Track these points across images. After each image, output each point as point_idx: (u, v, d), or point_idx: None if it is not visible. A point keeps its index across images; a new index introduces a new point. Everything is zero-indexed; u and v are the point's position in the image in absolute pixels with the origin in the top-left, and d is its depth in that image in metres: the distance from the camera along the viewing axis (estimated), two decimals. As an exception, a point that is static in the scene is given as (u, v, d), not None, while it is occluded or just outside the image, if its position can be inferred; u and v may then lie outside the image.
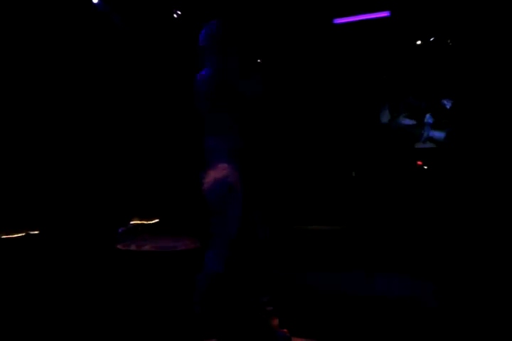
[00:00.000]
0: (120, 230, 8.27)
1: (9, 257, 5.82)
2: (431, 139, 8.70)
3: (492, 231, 5.90)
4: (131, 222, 8.53)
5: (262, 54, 9.14)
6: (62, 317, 3.34)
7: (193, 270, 5.09)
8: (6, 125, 6.99)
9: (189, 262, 5.62)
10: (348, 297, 3.82)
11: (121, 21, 7.59)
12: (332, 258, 5.55)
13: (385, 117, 9.08)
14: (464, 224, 6.55)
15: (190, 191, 8.67)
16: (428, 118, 8.73)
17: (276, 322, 2.69)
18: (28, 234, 7.39)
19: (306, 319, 3.24)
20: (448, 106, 8.40)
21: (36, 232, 7.51)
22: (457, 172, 8.03)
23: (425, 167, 8.71)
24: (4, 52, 6.75)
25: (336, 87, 9.05)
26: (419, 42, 8.33)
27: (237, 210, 2.63)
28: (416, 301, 3.73)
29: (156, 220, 8.85)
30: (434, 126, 8.70)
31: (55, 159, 7.89)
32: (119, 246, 6.74)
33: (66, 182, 7.98)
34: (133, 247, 6.70)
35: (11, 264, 5.35)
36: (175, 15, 7.87)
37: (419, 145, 8.80)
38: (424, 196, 8.06)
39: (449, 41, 8.10)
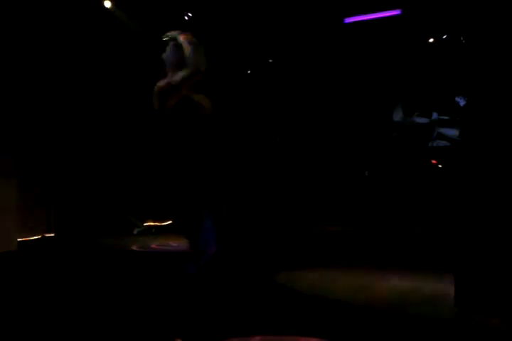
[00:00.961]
0: (135, 232, 8.34)
1: (26, 258, 5.91)
2: (444, 137, 8.61)
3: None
4: (145, 224, 8.60)
5: (273, 54, 9.14)
6: (77, 316, 3.37)
7: (206, 271, 5.11)
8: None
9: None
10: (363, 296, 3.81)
11: (134, 24, 7.66)
12: (345, 259, 5.53)
13: (398, 116, 9.01)
14: (481, 223, 6.47)
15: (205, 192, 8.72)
16: (435, 116, 8.65)
17: None
18: (43, 237, 7.50)
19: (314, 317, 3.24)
20: (461, 104, 8.30)
21: (52, 235, 7.61)
22: (472, 171, 7.93)
23: (440, 166, 8.62)
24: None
25: (348, 87, 9.01)
26: (431, 40, 8.25)
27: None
28: (433, 300, 3.70)
29: (170, 222, 8.90)
30: (448, 124, 8.61)
31: (71, 162, 7.99)
32: (134, 248, 6.79)
33: (81, 185, 8.06)
34: (148, 248, 6.74)
35: (28, 265, 5.42)
36: (186, 18, 7.91)
37: (433, 143, 8.71)
38: (439, 195, 7.98)
39: (462, 38, 8.00)
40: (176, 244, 6.96)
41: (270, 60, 9.27)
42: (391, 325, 3.16)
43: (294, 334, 2.89)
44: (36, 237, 7.40)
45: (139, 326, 3.18)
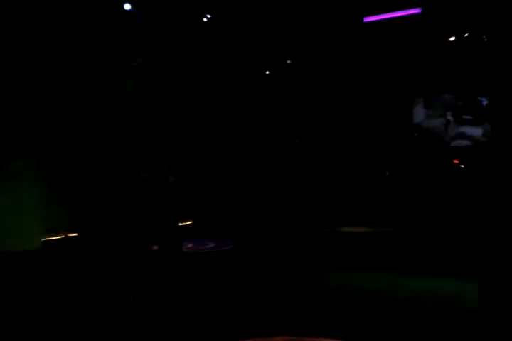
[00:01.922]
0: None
1: (50, 257, 6.02)
2: (466, 137, 8.49)
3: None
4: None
5: (291, 55, 9.14)
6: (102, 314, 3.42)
7: (226, 270, 5.14)
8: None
9: (222, 263, 5.67)
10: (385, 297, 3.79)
11: (153, 26, 7.73)
12: (366, 260, 5.50)
13: (419, 115, 8.93)
14: (505, 224, 6.37)
15: (224, 194, 8.78)
16: (449, 116, 8.54)
17: None
18: (67, 236, 7.62)
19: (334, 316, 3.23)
20: (484, 103, 8.19)
21: (74, 234, 7.73)
22: (496, 171, 7.81)
23: (462, 166, 8.52)
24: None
25: (369, 86, 8.96)
26: (452, 38, 8.15)
27: None
28: (454, 301, 3.67)
29: (190, 222, 8.96)
30: (470, 123, 8.50)
31: (96, 163, 8.09)
32: (154, 248, 6.83)
33: (105, 186, 8.17)
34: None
35: (51, 264, 5.52)
36: (205, 19, 7.97)
37: (455, 143, 8.61)
38: (461, 195, 7.88)
39: (484, 36, 7.89)
40: (195, 243, 7.01)
41: (288, 61, 9.27)
42: (412, 326, 3.14)
43: (317, 335, 2.89)
44: (60, 237, 7.52)
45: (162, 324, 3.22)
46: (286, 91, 9.34)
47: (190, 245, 6.95)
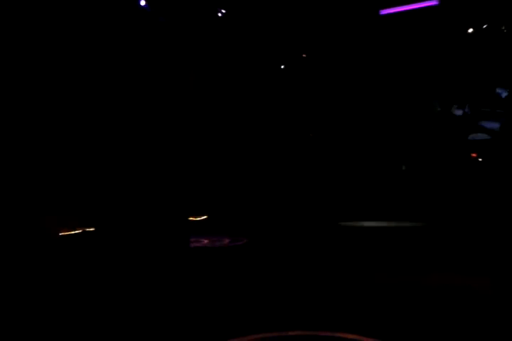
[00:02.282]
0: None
1: (67, 252, 6.09)
2: (484, 130, 8.37)
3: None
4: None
5: (307, 48, 9.07)
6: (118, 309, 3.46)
7: (240, 265, 5.14)
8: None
9: (236, 258, 5.68)
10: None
11: (167, 21, 7.72)
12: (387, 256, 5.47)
13: (437, 109, 8.81)
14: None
15: (238, 189, 8.78)
16: (467, 109, 8.42)
17: None
18: (84, 231, 7.70)
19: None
20: (503, 96, 8.06)
21: (92, 229, 7.82)
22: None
23: (480, 159, 8.41)
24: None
25: (385, 79, 8.86)
26: (470, 30, 8.01)
27: None
28: (476, 296, 3.63)
29: (205, 217, 8.99)
30: (488, 117, 8.37)
31: (111, 159, 8.15)
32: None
33: (121, 181, 8.23)
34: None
35: (69, 258, 5.59)
36: (219, 14, 7.94)
37: (473, 136, 8.49)
38: (479, 189, 7.78)
39: (503, 28, 7.75)
40: (211, 239, 7.04)
41: (304, 55, 9.21)
42: (432, 321, 3.11)
43: (332, 330, 2.89)
44: (77, 232, 7.61)
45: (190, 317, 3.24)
46: (302, 85, 9.29)
47: (205, 241, 6.98)
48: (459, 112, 8.60)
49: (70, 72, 7.41)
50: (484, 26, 7.92)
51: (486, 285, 3.84)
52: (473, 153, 8.51)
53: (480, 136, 8.46)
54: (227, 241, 6.96)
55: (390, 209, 8.26)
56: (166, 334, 2.92)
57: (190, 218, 8.82)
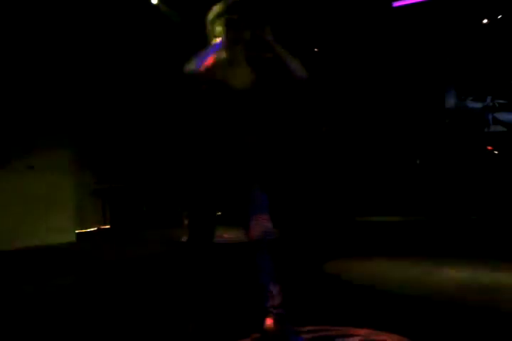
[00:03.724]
0: (186, 223, 8.48)
1: (84, 249, 6.16)
2: (500, 122, 8.25)
3: None
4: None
5: (319, 42, 9.00)
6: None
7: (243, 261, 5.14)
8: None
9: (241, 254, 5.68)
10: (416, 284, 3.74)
11: (181, 19, 7.72)
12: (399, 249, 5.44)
13: (451, 101, 8.70)
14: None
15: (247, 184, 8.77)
16: (488, 100, 8.30)
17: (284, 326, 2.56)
18: (99, 228, 7.79)
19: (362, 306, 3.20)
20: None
21: (107, 226, 7.90)
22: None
23: (496, 152, 8.30)
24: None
25: (399, 72, 8.77)
26: (485, 20, 7.89)
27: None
28: (490, 291, 3.60)
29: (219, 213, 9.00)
30: (504, 109, 8.25)
31: (125, 157, 8.21)
32: (183, 239, 6.91)
33: (134, 179, 8.29)
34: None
35: (85, 255, 5.65)
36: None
37: (489, 129, 8.38)
38: (495, 183, 7.70)
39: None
40: (227, 235, 7.04)
41: (316, 49, 9.15)
42: (445, 316, 3.09)
43: (344, 326, 2.87)
44: (93, 229, 7.69)
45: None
46: (313, 79, 9.23)
47: (225, 235, 6.99)
48: (474, 105, 8.49)
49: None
50: (499, 17, 7.80)
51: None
52: (489, 146, 8.40)
53: (495, 128, 8.35)
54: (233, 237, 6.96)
55: (404, 203, 8.20)
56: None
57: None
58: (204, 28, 2.66)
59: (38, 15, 6.41)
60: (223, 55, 2.53)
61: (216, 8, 2.57)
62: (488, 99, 8.27)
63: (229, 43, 2.49)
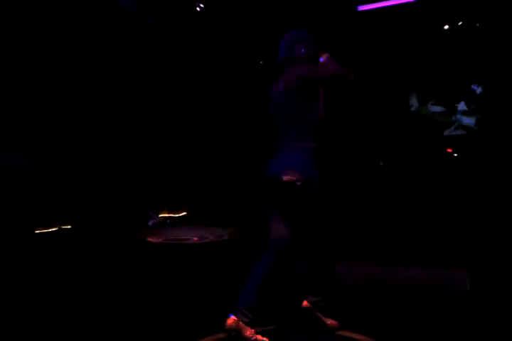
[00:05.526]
0: (150, 223, 8.40)
1: (44, 250, 5.99)
2: (462, 126, 8.50)
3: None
4: (160, 215, 8.65)
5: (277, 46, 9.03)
6: (94, 308, 3.42)
7: (220, 261, 5.13)
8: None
9: (217, 253, 5.67)
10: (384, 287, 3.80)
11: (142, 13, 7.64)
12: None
13: (414, 104, 8.90)
14: (495, 212, 6.41)
15: (218, 184, 8.75)
16: (462, 105, 8.51)
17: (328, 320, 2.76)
18: (60, 229, 7.59)
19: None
20: (478, 92, 8.18)
21: (68, 227, 7.71)
22: (488, 160, 7.84)
23: (455, 154, 8.54)
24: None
25: (362, 75, 8.89)
26: (446, 26, 8.11)
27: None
28: (449, 289, 3.69)
29: (184, 213, 8.95)
30: (464, 112, 8.50)
31: (87, 155, 8.04)
32: (149, 239, 6.84)
33: (95, 177, 8.13)
34: (161, 239, 6.79)
35: (46, 257, 5.49)
36: (198, 9, 7.87)
37: (449, 132, 8.61)
38: (454, 184, 7.91)
39: (477, 24, 7.86)
40: (191, 235, 7.01)
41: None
42: (405, 315, 3.15)
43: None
44: (53, 229, 7.50)
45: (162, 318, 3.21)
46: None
47: (192, 237, 6.96)
48: (435, 108, 8.70)
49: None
50: (459, 23, 8.03)
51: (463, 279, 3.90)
52: (448, 148, 8.63)
53: (456, 131, 8.59)
54: (211, 236, 6.94)
55: (368, 205, 8.32)
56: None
57: (170, 215, 8.76)
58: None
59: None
60: None
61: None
62: (462, 104, 8.48)
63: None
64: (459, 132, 8.50)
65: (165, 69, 8.53)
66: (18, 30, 6.23)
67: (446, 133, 8.67)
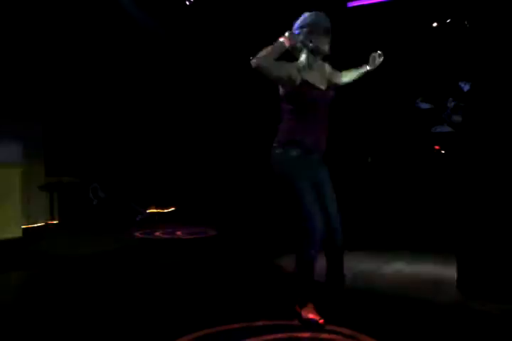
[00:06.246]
0: (138, 218, 8.38)
1: (30, 245, 5.95)
2: (449, 123, 8.55)
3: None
4: (148, 211, 8.63)
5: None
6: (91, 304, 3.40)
7: (210, 256, 5.13)
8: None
9: (204, 249, 5.67)
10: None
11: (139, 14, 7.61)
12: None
13: (401, 102, 8.93)
14: (484, 207, 6.47)
15: (206, 180, 8.75)
16: (450, 102, 8.55)
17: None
18: (47, 224, 7.55)
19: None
20: (465, 89, 8.22)
21: (55, 222, 7.67)
22: (475, 156, 7.89)
23: (443, 151, 8.59)
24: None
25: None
26: (435, 24, 8.14)
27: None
28: (435, 284, 3.73)
29: (172, 209, 8.93)
30: (452, 110, 8.54)
31: (74, 150, 7.99)
32: (137, 234, 6.82)
33: (85, 172, 8.08)
34: (150, 235, 6.78)
35: (32, 251, 5.46)
36: (187, 3, 7.83)
37: (437, 129, 8.66)
38: (442, 180, 7.97)
39: (466, 22, 7.89)
40: (179, 231, 7.00)
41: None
42: (392, 309, 3.18)
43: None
44: (40, 224, 7.45)
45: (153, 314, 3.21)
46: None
47: (179, 232, 6.95)
48: (424, 105, 8.74)
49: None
50: (448, 21, 8.06)
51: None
52: (436, 145, 8.68)
53: (443, 128, 8.64)
54: (196, 232, 6.93)
55: (357, 200, 8.36)
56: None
57: (158, 210, 8.74)
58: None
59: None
60: (303, 59, 3.01)
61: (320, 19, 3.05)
62: (450, 100, 8.51)
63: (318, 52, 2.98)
64: (447, 129, 8.55)
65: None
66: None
67: (433, 130, 8.71)
